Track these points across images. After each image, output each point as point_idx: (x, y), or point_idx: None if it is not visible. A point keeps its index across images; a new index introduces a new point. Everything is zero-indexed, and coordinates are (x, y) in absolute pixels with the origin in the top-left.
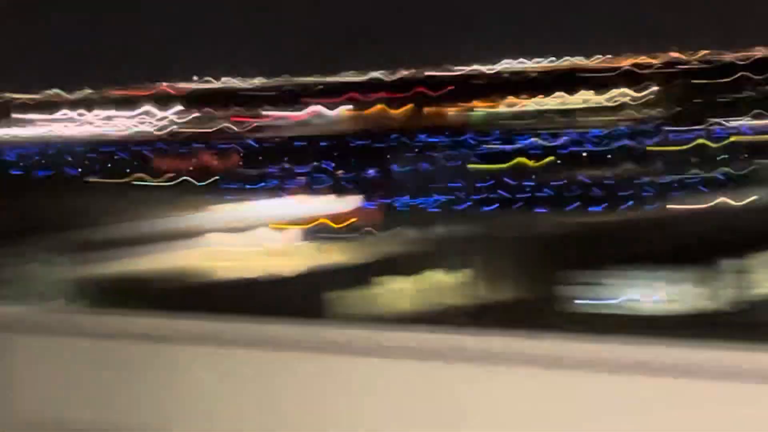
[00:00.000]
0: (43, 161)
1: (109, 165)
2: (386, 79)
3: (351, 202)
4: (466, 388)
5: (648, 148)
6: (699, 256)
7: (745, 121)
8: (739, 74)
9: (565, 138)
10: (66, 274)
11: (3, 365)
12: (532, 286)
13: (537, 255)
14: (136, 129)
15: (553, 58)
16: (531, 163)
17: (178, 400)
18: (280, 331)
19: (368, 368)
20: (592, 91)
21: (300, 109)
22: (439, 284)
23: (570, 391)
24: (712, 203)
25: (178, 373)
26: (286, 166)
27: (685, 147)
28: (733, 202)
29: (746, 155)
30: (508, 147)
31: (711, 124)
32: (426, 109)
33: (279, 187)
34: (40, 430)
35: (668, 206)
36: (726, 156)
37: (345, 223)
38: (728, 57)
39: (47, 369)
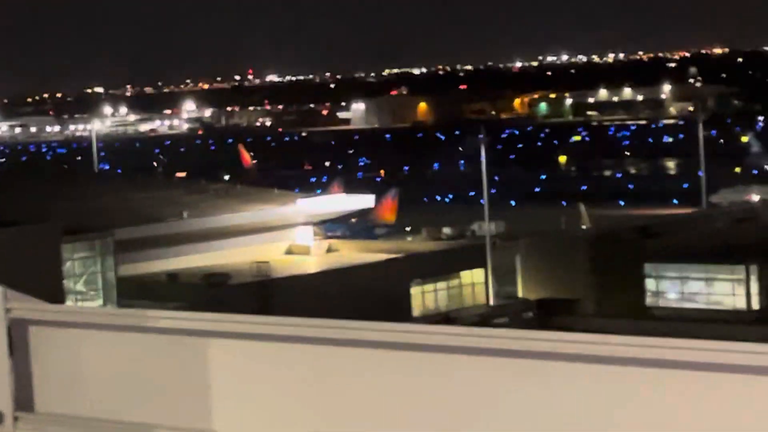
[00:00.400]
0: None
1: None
2: (460, 73)
3: (376, 198)
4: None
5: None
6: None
7: None
8: None
9: (619, 132)
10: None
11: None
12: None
13: (617, 251)
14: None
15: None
16: (574, 158)
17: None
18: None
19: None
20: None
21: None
22: (479, 281)
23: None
24: None
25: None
26: (342, 162)
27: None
28: None
29: None
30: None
31: None
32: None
33: (323, 183)
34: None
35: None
36: None
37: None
38: None
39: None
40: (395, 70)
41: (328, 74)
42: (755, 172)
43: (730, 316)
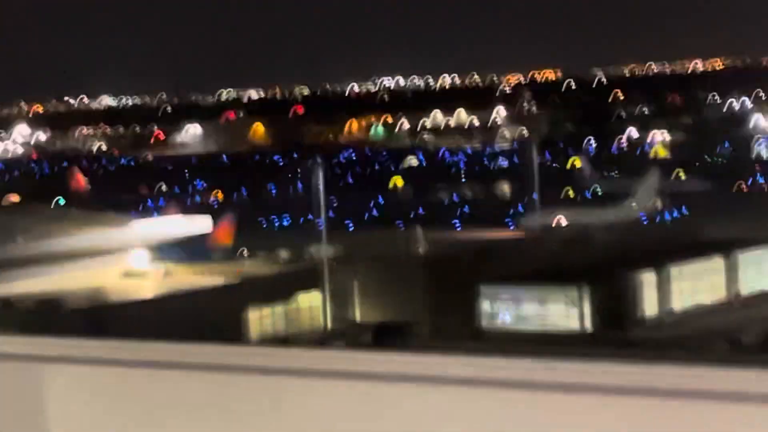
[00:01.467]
0: None
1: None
2: (258, 97)
3: (213, 221)
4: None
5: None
6: (582, 274)
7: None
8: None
9: (455, 155)
10: None
11: None
12: (439, 305)
13: (434, 273)
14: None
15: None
16: (410, 182)
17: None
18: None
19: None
20: (469, 110)
21: (181, 128)
22: (317, 305)
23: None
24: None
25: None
26: (166, 185)
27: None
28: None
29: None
30: (389, 166)
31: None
32: (309, 127)
33: (160, 207)
34: None
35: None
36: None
37: (221, 242)
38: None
39: None
40: (232, 93)
41: (164, 97)
42: (588, 194)
43: (563, 337)
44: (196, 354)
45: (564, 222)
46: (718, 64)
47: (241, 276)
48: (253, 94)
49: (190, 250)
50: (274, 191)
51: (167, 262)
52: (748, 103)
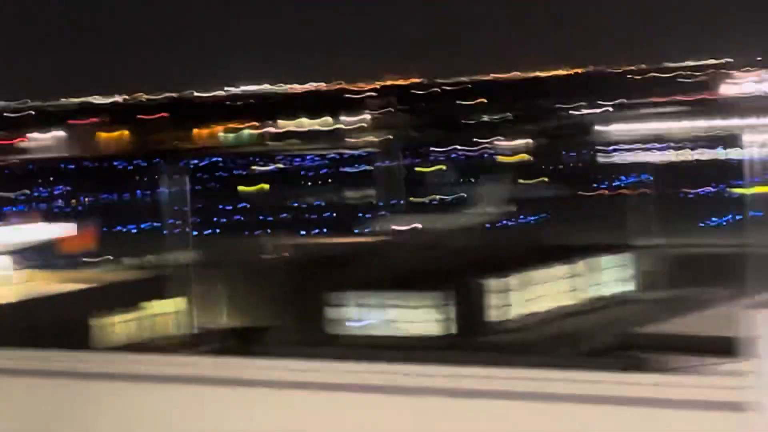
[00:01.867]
0: None
1: None
2: (100, 103)
3: (75, 226)
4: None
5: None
6: (434, 280)
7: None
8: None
9: (313, 161)
10: None
11: None
12: (291, 309)
13: (287, 278)
14: None
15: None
16: (270, 187)
17: None
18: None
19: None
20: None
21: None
22: (172, 311)
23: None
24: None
25: None
26: (21, 191)
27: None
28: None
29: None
30: (241, 172)
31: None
32: (163, 134)
33: (20, 212)
34: None
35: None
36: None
37: (73, 248)
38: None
39: None
40: (93, 100)
41: (25, 103)
42: (445, 199)
43: (423, 342)
44: (42, 360)
45: (419, 227)
46: (567, 73)
47: (102, 281)
48: (116, 100)
49: (51, 255)
50: (132, 197)
51: (28, 267)
52: (596, 112)
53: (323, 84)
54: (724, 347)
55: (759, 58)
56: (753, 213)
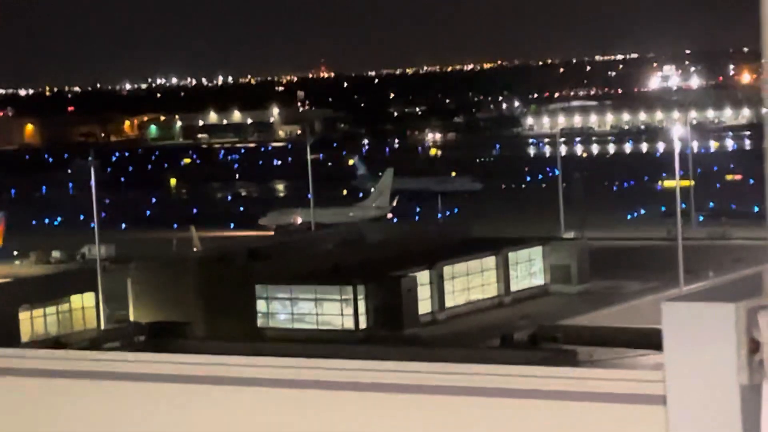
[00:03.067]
0: None
1: None
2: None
3: None
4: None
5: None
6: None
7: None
8: None
9: (229, 154)
10: None
11: None
12: (215, 304)
13: (209, 273)
14: None
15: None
16: (185, 181)
17: None
18: None
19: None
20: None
21: None
22: (91, 305)
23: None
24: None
25: None
26: None
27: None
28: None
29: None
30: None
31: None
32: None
33: None
34: None
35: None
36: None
37: None
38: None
39: None
40: (0, 91)
41: None
42: (360, 194)
43: (339, 336)
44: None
45: (277, 222)
46: (489, 65)
47: (12, 276)
48: (23, 92)
49: None
50: (45, 191)
51: None
52: (520, 105)
53: (240, 76)
54: (648, 340)
55: (688, 51)
56: (677, 206)
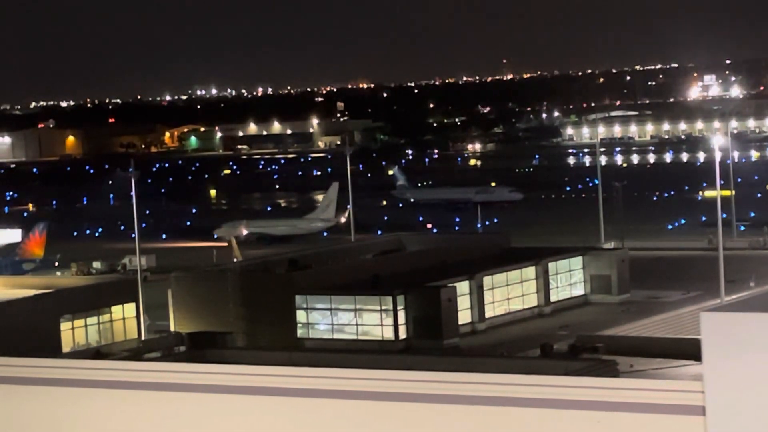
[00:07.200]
0: None
1: None
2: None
3: (35, 231)
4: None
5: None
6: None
7: None
8: None
9: (269, 165)
10: None
11: None
12: (256, 316)
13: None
14: None
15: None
16: (225, 192)
17: None
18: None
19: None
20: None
21: None
22: (131, 316)
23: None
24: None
25: None
26: None
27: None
28: None
29: None
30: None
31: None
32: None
33: None
34: None
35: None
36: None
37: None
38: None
39: None
40: (42, 103)
41: None
42: (400, 204)
43: (378, 346)
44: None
45: (232, 234)
46: (529, 75)
47: (53, 287)
48: (65, 104)
49: (0, 261)
50: (86, 202)
51: None
52: (559, 115)
53: (278, 87)
54: (688, 350)
55: (728, 61)
56: (718, 215)
